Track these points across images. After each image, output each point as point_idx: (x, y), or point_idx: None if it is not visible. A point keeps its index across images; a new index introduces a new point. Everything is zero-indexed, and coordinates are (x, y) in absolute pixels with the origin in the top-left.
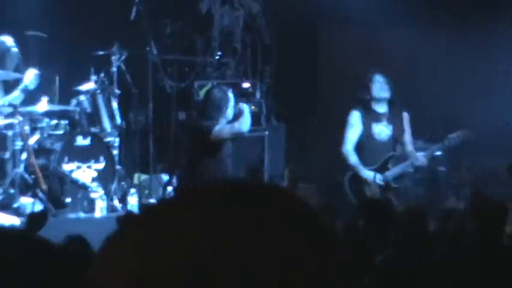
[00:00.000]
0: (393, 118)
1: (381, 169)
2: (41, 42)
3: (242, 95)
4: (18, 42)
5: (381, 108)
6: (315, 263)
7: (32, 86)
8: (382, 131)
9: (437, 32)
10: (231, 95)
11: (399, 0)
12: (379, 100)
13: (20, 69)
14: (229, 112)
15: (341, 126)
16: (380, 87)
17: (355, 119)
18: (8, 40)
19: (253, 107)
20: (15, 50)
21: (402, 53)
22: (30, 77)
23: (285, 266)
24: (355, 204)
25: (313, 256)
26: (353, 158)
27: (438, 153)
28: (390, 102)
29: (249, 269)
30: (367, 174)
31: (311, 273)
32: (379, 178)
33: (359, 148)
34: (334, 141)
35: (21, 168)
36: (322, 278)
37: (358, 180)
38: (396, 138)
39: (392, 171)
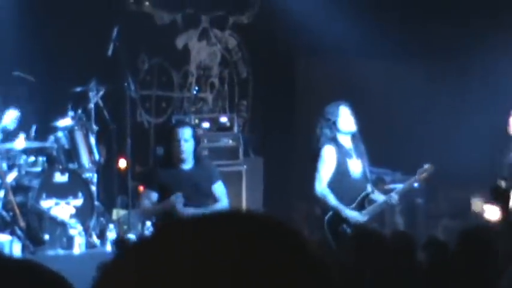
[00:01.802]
0: (358, 152)
1: (358, 208)
2: (27, 84)
3: (220, 129)
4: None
5: (347, 142)
6: None
7: (11, 127)
8: (355, 167)
9: (413, 65)
10: (182, 131)
11: (376, 34)
12: (345, 134)
13: None
14: (176, 148)
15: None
16: (347, 120)
17: (330, 154)
18: None
19: (231, 141)
20: None
21: (379, 86)
22: (11, 117)
23: None
24: (334, 245)
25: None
26: (332, 198)
27: (416, 185)
28: (353, 136)
29: None
30: (351, 214)
31: None
32: (362, 217)
33: (332, 186)
34: (312, 174)
35: None
36: None
37: (337, 220)
38: (365, 173)
39: (369, 211)
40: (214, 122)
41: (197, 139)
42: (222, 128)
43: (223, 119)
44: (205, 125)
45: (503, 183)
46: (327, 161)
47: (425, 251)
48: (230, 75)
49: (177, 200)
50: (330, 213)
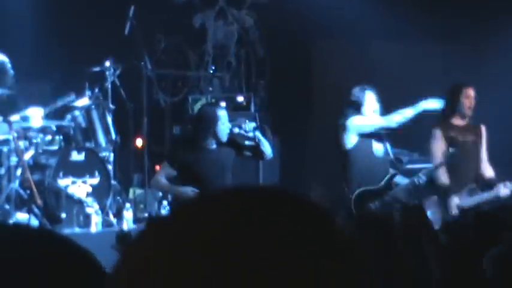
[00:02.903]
0: (379, 135)
1: (386, 188)
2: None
3: (236, 109)
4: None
5: None
6: (333, 269)
7: (36, 125)
8: (378, 146)
9: (431, 47)
10: (221, 112)
11: (394, 15)
12: None
13: (14, 87)
14: (221, 130)
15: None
16: (372, 106)
17: (359, 121)
18: (3, 58)
19: (247, 121)
20: (9, 68)
21: (396, 67)
22: (37, 116)
23: (303, 269)
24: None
25: (332, 263)
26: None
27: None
28: None
29: (261, 274)
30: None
31: (327, 278)
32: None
33: (356, 165)
34: (328, 153)
35: (16, 184)
36: (339, 283)
37: (366, 198)
38: (387, 154)
39: (396, 192)
40: (230, 101)
41: None
42: (238, 107)
43: (240, 99)
44: (222, 104)
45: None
46: (358, 122)
47: (445, 232)
48: (247, 55)
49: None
50: (359, 190)
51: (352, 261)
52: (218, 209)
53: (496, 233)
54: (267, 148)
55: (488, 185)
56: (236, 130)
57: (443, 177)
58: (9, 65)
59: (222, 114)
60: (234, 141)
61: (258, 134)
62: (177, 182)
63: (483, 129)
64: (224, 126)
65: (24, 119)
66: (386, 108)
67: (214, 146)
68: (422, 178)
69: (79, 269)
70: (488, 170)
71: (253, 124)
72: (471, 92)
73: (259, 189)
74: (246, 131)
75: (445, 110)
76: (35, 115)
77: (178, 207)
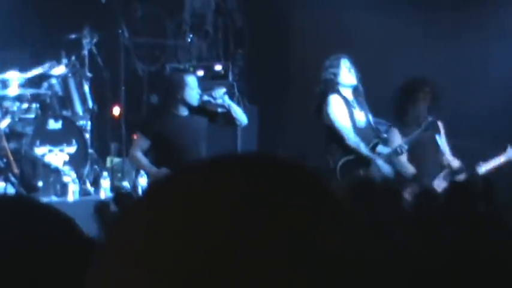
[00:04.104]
0: (360, 104)
1: (370, 157)
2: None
3: (214, 78)
4: None
5: (348, 94)
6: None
7: (13, 93)
8: (360, 117)
9: (411, 16)
10: (189, 78)
11: None
12: (346, 87)
13: None
14: (190, 96)
15: (312, 106)
16: (348, 73)
17: (340, 103)
18: None
19: (225, 90)
20: None
21: (376, 37)
22: (15, 81)
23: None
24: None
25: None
26: (364, 147)
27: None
28: (354, 89)
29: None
30: (383, 164)
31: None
32: (389, 169)
33: (340, 137)
34: (306, 123)
35: None
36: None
37: (352, 166)
38: (370, 123)
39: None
40: (208, 70)
41: None
42: (216, 76)
43: (218, 67)
44: (200, 73)
45: None
46: (341, 111)
47: (416, 199)
48: (225, 24)
49: None
50: (343, 160)
51: (350, 225)
52: (212, 181)
53: (467, 204)
54: (239, 114)
55: (458, 173)
56: (205, 98)
57: (409, 167)
58: None
59: (190, 79)
60: (205, 109)
61: (227, 99)
62: (152, 153)
63: (440, 124)
64: (193, 92)
65: (3, 82)
66: (366, 78)
67: (185, 113)
68: (404, 147)
69: (60, 235)
70: (454, 161)
71: (223, 90)
72: (426, 89)
73: (241, 157)
74: (215, 98)
75: (399, 109)
76: (13, 79)
77: (156, 184)
